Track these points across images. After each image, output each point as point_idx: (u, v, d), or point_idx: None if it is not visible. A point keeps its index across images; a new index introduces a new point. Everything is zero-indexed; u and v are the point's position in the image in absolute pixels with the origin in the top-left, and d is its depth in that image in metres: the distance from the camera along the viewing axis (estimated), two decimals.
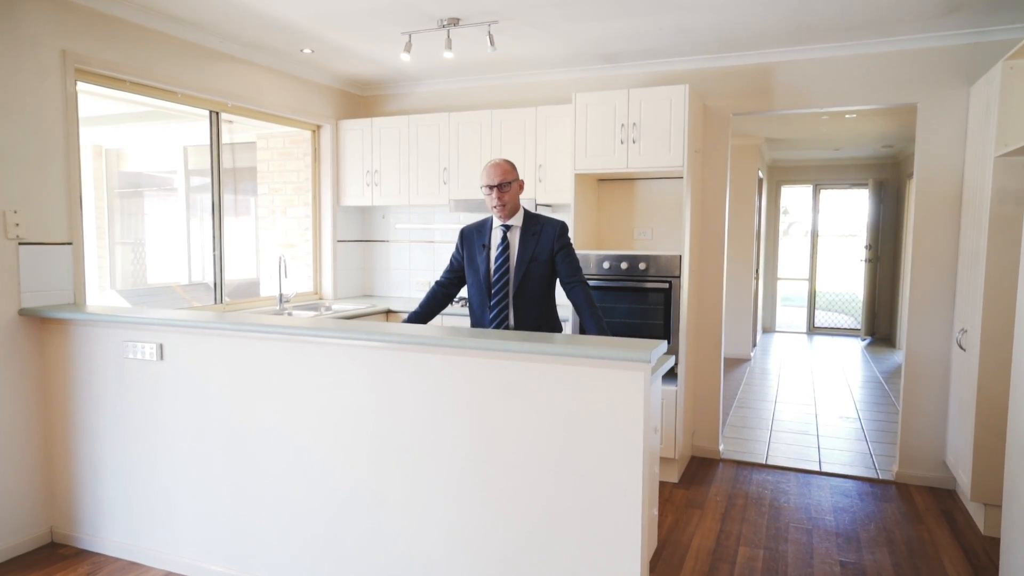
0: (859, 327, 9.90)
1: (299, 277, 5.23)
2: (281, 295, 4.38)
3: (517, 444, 2.22)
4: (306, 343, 2.50)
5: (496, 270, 2.91)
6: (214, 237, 4.20)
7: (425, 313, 3.07)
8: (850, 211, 10.45)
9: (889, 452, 4.49)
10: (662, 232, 4.43)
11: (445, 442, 2.32)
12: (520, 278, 2.88)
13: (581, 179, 4.15)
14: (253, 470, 2.65)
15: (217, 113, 4.10)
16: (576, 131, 4.04)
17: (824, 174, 9.82)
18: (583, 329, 3.45)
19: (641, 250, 4.16)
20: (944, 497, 3.77)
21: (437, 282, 3.11)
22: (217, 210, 4.18)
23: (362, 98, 5.27)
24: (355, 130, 4.93)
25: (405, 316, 3.12)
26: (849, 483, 3.98)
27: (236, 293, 5.86)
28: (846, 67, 3.96)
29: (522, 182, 2.95)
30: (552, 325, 3.01)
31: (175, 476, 2.81)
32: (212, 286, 4.27)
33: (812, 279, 9.99)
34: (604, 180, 4.53)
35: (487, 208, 2.95)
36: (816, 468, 4.22)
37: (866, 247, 9.23)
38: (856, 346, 8.91)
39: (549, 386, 2.17)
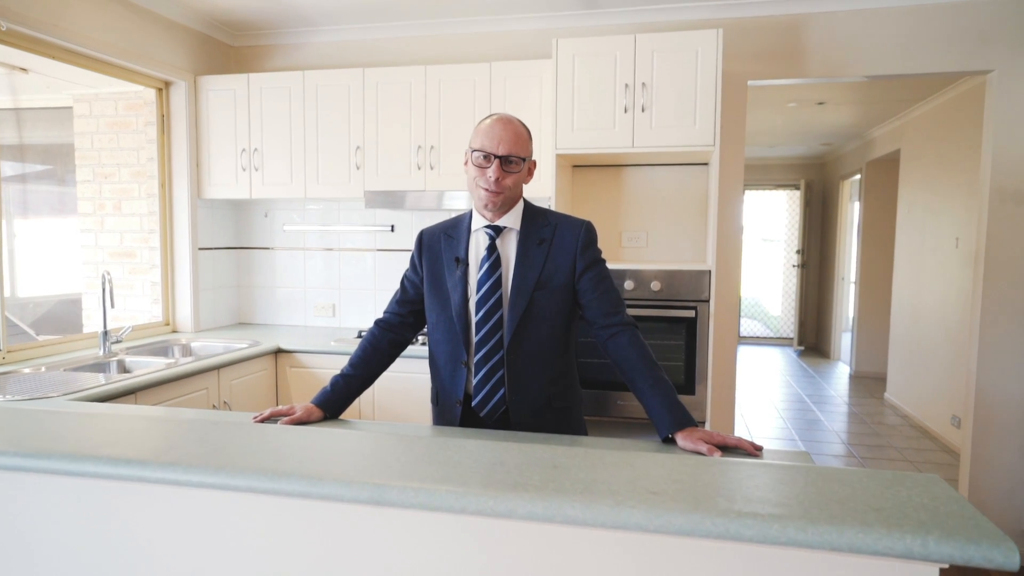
0: (777, 335, 9.46)
1: (142, 301, 3.66)
2: (105, 333, 2.84)
3: None
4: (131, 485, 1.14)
5: (480, 302, 1.66)
6: None
7: (362, 377, 1.77)
8: (772, 214, 9.97)
9: None
10: (659, 237, 3.34)
11: None
12: (520, 316, 1.65)
13: (560, 163, 2.96)
14: None
15: None
16: (559, 94, 2.84)
17: (749, 174, 9.23)
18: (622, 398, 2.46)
19: (637, 262, 3.03)
20: None
21: (379, 321, 1.82)
22: None
23: (233, 48, 3.78)
24: (224, 90, 3.44)
25: (326, 385, 1.76)
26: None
27: (48, 324, 4.15)
28: (900, 21, 3.04)
29: (534, 164, 1.72)
30: (571, 399, 1.76)
31: None
32: None
33: (737, 286, 9.40)
34: (580, 166, 3.37)
35: (469, 189, 1.69)
36: None
37: (797, 252, 8.72)
38: (789, 357, 8.35)
39: None
